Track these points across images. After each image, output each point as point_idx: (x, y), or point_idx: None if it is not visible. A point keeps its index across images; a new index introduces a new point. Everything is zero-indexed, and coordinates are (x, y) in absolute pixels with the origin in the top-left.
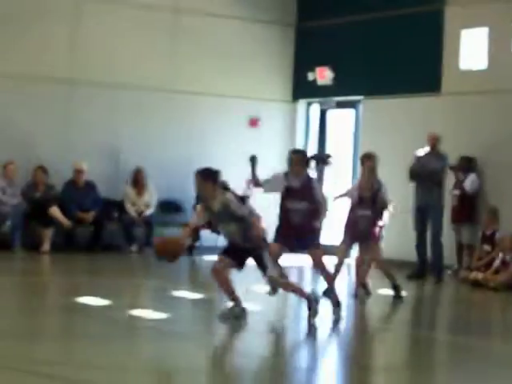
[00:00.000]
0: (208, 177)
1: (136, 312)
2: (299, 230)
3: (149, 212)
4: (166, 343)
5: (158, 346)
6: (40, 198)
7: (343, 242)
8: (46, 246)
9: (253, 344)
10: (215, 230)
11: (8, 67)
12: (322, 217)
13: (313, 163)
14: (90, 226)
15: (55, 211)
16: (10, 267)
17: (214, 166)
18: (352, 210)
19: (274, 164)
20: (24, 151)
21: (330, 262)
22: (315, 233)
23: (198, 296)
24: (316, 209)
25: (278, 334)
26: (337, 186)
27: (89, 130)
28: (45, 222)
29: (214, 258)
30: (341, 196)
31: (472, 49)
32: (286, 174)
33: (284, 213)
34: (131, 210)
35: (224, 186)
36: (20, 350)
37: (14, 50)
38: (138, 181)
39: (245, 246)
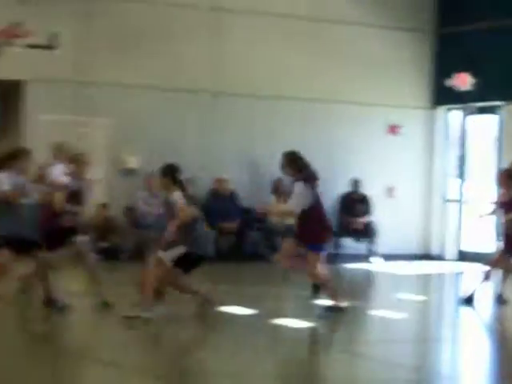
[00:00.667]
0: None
1: (280, 321)
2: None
3: (290, 221)
4: (311, 351)
5: (303, 354)
6: None
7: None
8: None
9: (397, 352)
10: None
11: (152, 79)
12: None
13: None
14: (232, 236)
15: None
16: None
17: (354, 173)
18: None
19: (414, 171)
20: (167, 161)
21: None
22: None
23: (344, 304)
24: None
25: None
26: (479, 192)
27: (230, 140)
28: None
29: (355, 265)
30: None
31: None
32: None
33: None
34: (273, 220)
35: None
36: (167, 359)
37: (157, 62)
38: (279, 190)
39: None
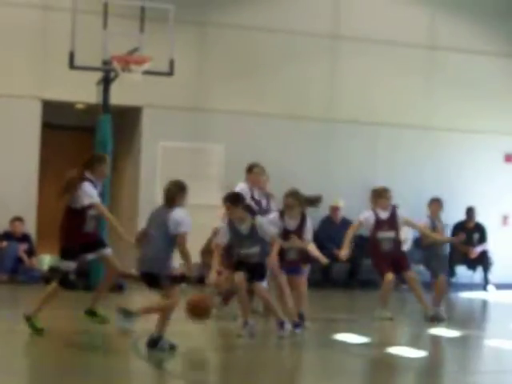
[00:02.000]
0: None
1: (393, 350)
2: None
3: (404, 248)
4: (424, 382)
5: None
6: None
7: None
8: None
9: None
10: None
11: (268, 106)
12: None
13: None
14: (346, 263)
15: (312, 248)
16: None
17: (469, 202)
18: None
19: None
20: (284, 188)
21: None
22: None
23: (454, 334)
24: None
25: None
26: None
27: (347, 167)
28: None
29: (470, 294)
30: None
31: None
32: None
33: None
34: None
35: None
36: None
37: (274, 89)
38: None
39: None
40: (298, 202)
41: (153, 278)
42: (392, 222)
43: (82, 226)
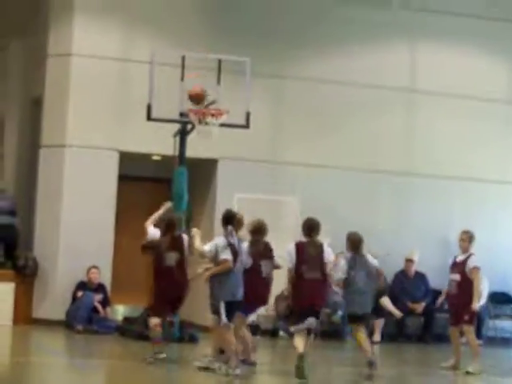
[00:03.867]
0: None
1: None
2: None
3: (480, 303)
4: None
5: None
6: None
7: None
8: (377, 337)
9: None
10: None
11: (340, 160)
12: None
13: None
14: (420, 317)
15: (386, 301)
16: (340, 357)
17: None
18: None
19: None
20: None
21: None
22: None
23: None
24: None
25: None
26: None
27: (421, 220)
28: (376, 312)
29: None
30: None
31: None
32: None
33: None
34: None
35: None
36: None
37: (348, 142)
38: None
39: None
40: None
41: None
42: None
43: None
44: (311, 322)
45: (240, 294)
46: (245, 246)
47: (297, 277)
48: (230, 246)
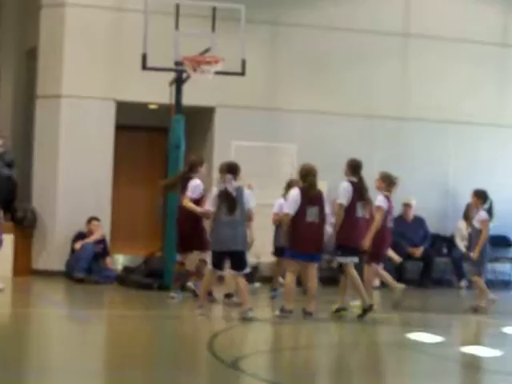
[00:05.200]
0: None
1: (467, 349)
2: None
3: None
4: (495, 382)
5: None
6: None
7: None
8: (376, 281)
9: None
10: None
11: (337, 106)
12: None
13: None
14: (419, 261)
15: None
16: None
17: None
18: None
19: None
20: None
21: None
22: None
23: None
24: None
25: None
26: None
27: (418, 165)
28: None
29: None
30: None
31: None
32: None
33: None
34: (461, 245)
35: None
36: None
37: (343, 88)
38: (469, 216)
39: None
40: None
41: None
42: None
43: None
44: (355, 259)
45: (233, 244)
46: (247, 193)
47: (348, 214)
48: (227, 195)
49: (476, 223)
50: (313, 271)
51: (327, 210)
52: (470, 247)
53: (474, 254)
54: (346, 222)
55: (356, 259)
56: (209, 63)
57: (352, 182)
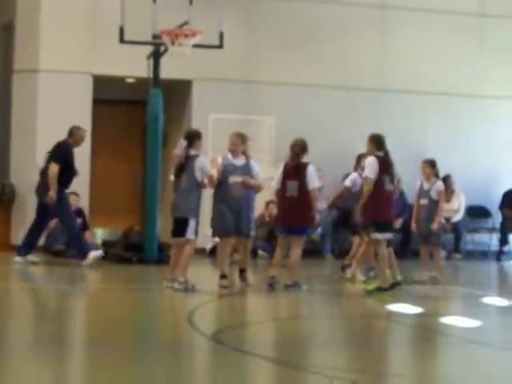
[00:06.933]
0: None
1: (446, 319)
2: None
3: (457, 218)
4: (474, 352)
5: (464, 354)
6: (347, 205)
7: None
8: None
9: None
10: None
11: (316, 78)
12: None
13: None
14: (398, 233)
15: None
16: (320, 274)
17: None
18: None
19: None
20: (334, 158)
21: None
22: None
23: (508, 303)
24: None
25: None
26: None
27: (397, 136)
28: (353, 229)
29: None
30: None
31: None
32: None
33: None
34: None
35: None
36: (330, 356)
37: (323, 61)
38: (446, 187)
39: None
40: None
41: None
42: None
43: None
44: (390, 236)
45: (180, 211)
46: (200, 161)
47: (377, 188)
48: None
49: (433, 194)
50: (294, 244)
51: (315, 183)
52: (426, 219)
53: (433, 225)
54: (376, 197)
55: (391, 236)
56: (187, 36)
57: (378, 157)
